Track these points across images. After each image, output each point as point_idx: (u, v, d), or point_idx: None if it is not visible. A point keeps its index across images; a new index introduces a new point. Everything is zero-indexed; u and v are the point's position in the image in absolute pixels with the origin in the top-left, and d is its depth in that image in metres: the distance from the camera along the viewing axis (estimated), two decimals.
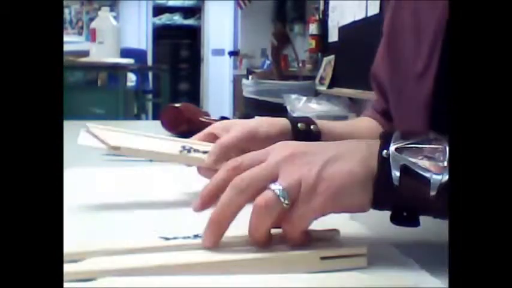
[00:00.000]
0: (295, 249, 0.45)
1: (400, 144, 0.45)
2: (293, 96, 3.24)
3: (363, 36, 2.90)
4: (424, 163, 0.44)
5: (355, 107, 3.18)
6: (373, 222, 0.53)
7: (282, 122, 0.71)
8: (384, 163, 0.45)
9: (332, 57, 3.62)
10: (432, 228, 0.54)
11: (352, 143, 0.49)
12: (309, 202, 0.44)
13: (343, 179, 0.45)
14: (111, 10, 4.45)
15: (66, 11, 6.88)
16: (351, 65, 3.23)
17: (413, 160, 0.45)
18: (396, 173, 0.44)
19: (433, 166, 0.44)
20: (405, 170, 0.44)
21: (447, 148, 0.45)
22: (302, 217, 0.44)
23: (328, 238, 0.48)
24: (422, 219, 0.49)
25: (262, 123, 0.69)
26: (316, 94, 3.59)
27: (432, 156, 0.45)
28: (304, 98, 3.20)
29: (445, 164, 0.44)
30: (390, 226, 0.52)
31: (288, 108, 3.16)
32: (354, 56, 3.15)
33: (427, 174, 0.44)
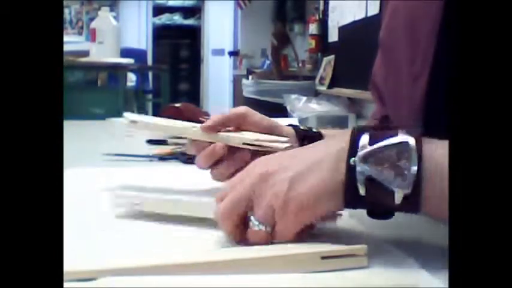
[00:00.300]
0: (296, 249, 0.45)
1: (367, 150, 0.46)
2: (293, 96, 3.24)
3: (362, 36, 2.90)
4: (389, 173, 0.45)
5: (355, 107, 3.19)
6: (373, 222, 0.53)
7: (282, 124, 0.72)
8: (351, 171, 0.46)
9: (332, 57, 3.62)
10: (432, 228, 0.54)
11: (321, 151, 0.49)
12: (285, 220, 0.47)
13: (310, 193, 0.47)
14: (111, 10, 4.44)
15: (66, 11, 6.87)
16: (350, 65, 3.23)
17: (379, 169, 0.45)
18: (361, 184, 0.46)
19: (398, 175, 0.45)
20: (371, 180, 0.45)
21: (414, 149, 0.45)
22: (284, 232, 0.48)
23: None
24: (422, 220, 0.49)
25: (266, 117, 0.71)
26: (316, 94, 3.59)
27: (398, 164, 0.45)
28: (304, 98, 3.20)
29: (410, 170, 0.44)
30: (390, 226, 0.52)
31: (288, 108, 3.16)
32: (353, 56, 3.15)
33: (391, 186, 0.45)
